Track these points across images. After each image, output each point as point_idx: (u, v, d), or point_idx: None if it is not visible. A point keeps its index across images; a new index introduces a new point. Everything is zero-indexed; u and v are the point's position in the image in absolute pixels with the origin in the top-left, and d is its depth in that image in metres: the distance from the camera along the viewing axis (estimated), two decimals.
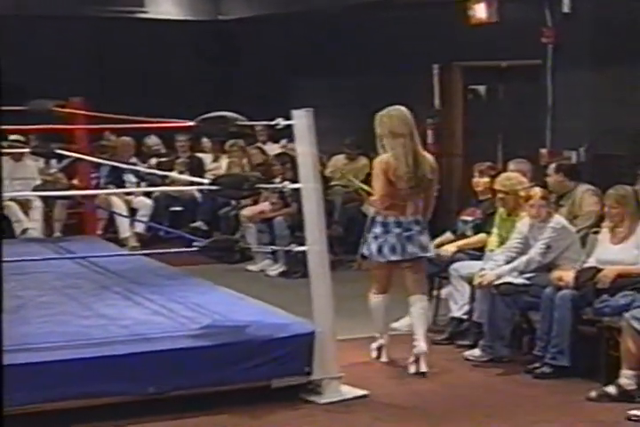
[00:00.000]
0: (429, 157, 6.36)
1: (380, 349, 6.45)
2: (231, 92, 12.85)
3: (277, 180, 9.52)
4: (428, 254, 6.34)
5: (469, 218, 7.45)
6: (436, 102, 10.67)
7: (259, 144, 11.75)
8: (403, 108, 6.21)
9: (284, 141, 11.63)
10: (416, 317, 6.27)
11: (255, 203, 10.24)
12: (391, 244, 6.15)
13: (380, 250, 6.19)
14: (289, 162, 9.43)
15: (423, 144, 10.30)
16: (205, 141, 12.21)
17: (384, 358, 6.42)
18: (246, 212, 10.17)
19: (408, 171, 6.10)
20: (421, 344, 6.15)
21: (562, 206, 7.21)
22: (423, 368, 6.11)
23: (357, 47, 11.63)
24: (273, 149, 11.66)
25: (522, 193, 6.70)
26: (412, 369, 6.13)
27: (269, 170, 10.19)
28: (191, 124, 5.82)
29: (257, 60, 13.29)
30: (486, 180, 7.39)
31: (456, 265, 6.98)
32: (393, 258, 6.18)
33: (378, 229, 6.20)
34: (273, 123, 5.66)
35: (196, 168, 11.46)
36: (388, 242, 6.16)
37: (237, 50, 13.48)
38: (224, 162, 11.72)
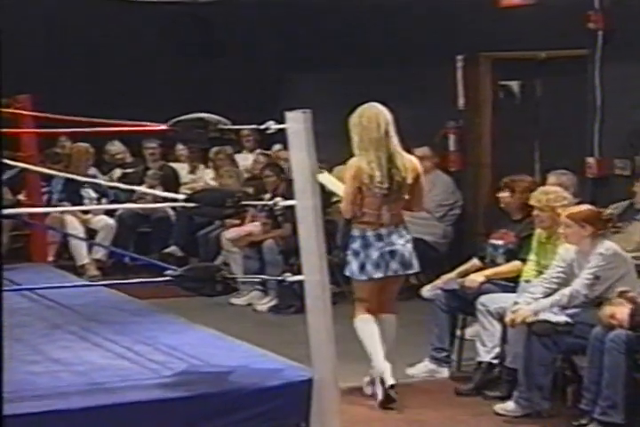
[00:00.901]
0: (410, 158, 6.71)
1: (388, 397, 6.44)
2: (212, 90, 12.87)
3: (267, 195, 9.55)
4: (412, 271, 6.70)
5: (500, 242, 7.46)
6: (459, 101, 10.70)
7: (261, 150, 11.83)
8: (376, 106, 6.60)
9: (277, 146, 11.65)
10: (386, 337, 6.60)
11: (241, 223, 10.25)
12: (374, 260, 6.51)
13: (362, 267, 6.53)
14: (282, 174, 9.46)
15: (444, 151, 10.47)
16: (180, 149, 12.25)
17: (395, 411, 6.41)
18: (230, 234, 10.18)
19: (381, 174, 6.46)
20: (381, 366, 6.52)
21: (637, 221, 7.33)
22: (379, 395, 6.50)
23: (364, 35, 11.65)
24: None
25: (560, 211, 6.71)
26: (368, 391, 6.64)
27: (260, 183, 10.21)
28: (163, 127, 5.83)
29: (244, 51, 13.32)
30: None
31: (484, 298, 6.98)
32: (377, 275, 6.53)
33: (356, 245, 6.57)
34: (262, 127, 5.67)
35: (169, 181, 11.48)
36: (370, 258, 6.52)
37: (220, 38, 13.51)
38: (204, 173, 11.74)
